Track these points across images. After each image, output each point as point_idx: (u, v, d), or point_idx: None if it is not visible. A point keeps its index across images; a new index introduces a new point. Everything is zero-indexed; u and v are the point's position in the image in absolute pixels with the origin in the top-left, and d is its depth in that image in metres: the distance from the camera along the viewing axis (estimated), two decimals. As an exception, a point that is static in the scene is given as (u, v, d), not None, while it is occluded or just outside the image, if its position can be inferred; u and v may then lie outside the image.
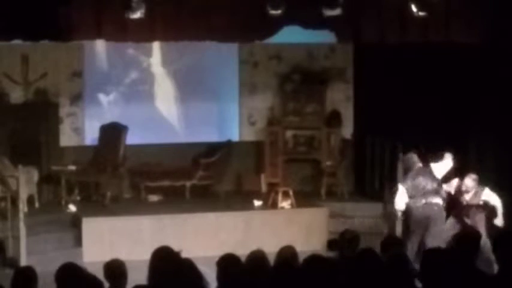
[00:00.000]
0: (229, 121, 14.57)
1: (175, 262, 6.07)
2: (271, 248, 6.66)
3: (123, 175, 13.51)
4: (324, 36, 11.82)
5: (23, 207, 10.97)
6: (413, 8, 10.23)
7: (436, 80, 12.13)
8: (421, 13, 10.24)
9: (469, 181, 10.48)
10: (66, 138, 13.85)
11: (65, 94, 13.83)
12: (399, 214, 10.85)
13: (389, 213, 12.52)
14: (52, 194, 13.49)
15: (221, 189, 13.86)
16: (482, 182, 11.25)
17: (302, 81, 14.36)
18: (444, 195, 10.57)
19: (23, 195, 11.20)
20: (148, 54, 14.18)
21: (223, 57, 14.28)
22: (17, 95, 13.57)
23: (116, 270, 6.30)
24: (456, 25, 10.81)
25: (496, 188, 11.34)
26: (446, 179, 10.78)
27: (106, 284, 6.27)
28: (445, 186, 10.66)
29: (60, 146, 13.78)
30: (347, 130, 14.59)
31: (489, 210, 10.45)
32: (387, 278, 5.88)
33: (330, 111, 14.49)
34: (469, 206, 10.46)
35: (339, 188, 13.98)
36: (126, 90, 14.18)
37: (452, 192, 10.61)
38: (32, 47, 12.72)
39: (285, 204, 12.74)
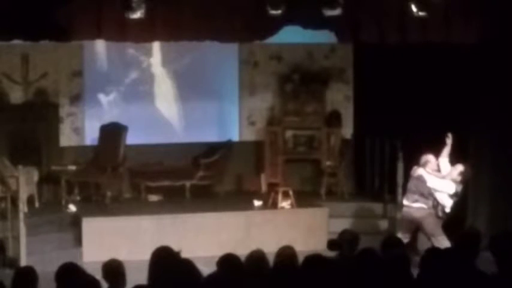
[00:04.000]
0: (229, 121, 14.56)
1: (175, 262, 6.07)
2: (271, 248, 6.66)
3: (123, 175, 13.51)
4: (324, 36, 11.82)
5: (23, 207, 10.97)
6: (413, 8, 10.22)
7: (436, 80, 12.13)
8: (421, 13, 10.23)
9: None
10: (66, 138, 13.85)
11: (65, 94, 13.83)
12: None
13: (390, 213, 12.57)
14: (52, 194, 13.48)
15: (221, 189, 13.86)
16: (482, 182, 11.30)
17: (302, 81, 14.35)
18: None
19: (23, 195, 11.19)
20: (148, 54, 14.17)
21: (223, 57, 14.28)
22: (17, 95, 13.57)
23: (114, 270, 6.30)
24: (456, 25, 10.81)
25: (495, 189, 11.39)
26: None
27: (105, 284, 6.27)
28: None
29: (60, 146, 13.78)
30: (347, 130, 14.58)
31: None
32: (387, 278, 5.88)
33: (330, 111, 14.49)
34: None
35: (339, 188, 13.97)
36: (126, 90, 14.18)
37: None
38: (32, 47, 12.71)
39: (285, 204, 12.73)
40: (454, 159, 11.00)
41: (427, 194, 10.86)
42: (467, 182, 11.07)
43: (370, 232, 12.07)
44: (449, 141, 10.96)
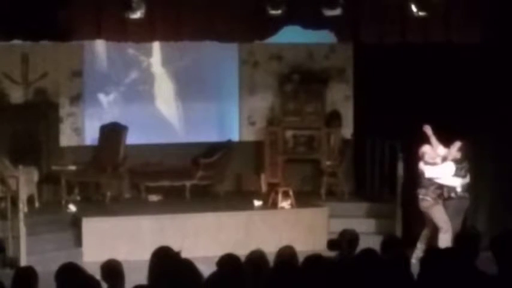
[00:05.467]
0: (229, 121, 14.56)
1: (175, 262, 6.06)
2: (271, 248, 6.66)
3: (123, 175, 13.51)
4: (324, 36, 11.81)
5: (23, 207, 10.97)
6: (413, 8, 10.23)
7: (436, 80, 12.13)
8: (421, 13, 10.23)
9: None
10: (66, 138, 13.85)
11: (65, 94, 13.83)
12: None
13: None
14: (52, 194, 13.48)
15: (221, 189, 13.86)
16: (482, 183, 11.30)
17: (302, 81, 14.35)
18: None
19: (23, 195, 11.19)
20: (148, 54, 14.17)
21: (223, 57, 14.28)
22: (17, 95, 13.57)
23: (113, 270, 6.31)
24: (456, 25, 10.81)
25: (495, 189, 11.38)
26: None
27: (105, 285, 6.27)
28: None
29: (60, 146, 13.78)
30: (347, 130, 14.58)
31: None
32: (387, 278, 5.88)
33: (330, 111, 14.48)
34: None
35: (339, 188, 13.97)
36: (126, 90, 14.18)
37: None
38: (32, 47, 12.70)
39: (285, 204, 12.73)
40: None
41: (428, 185, 11.06)
42: (469, 157, 11.25)
43: (370, 232, 12.08)
44: (429, 131, 11.20)
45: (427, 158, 11.17)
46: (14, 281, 5.90)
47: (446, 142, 11.25)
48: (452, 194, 11.10)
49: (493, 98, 11.56)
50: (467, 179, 11.13)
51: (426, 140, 11.28)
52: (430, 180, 11.08)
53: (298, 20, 10.55)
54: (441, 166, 11.12)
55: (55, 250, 11.21)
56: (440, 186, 11.10)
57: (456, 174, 11.07)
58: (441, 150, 11.26)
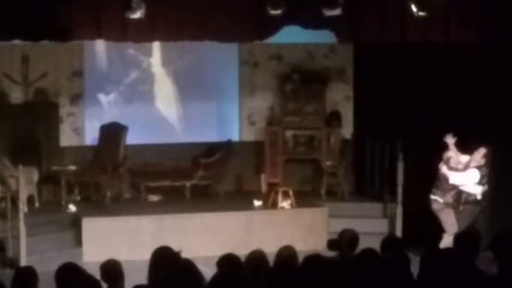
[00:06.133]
0: (229, 121, 14.57)
1: (175, 262, 6.07)
2: (271, 248, 6.67)
3: (123, 175, 13.51)
4: (324, 36, 11.82)
5: (23, 207, 10.97)
6: (413, 8, 10.23)
7: (436, 80, 12.13)
8: (421, 13, 10.24)
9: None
10: (66, 138, 13.85)
11: (65, 94, 13.84)
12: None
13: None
14: (52, 194, 13.49)
15: (221, 189, 13.87)
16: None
17: (302, 81, 14.35)
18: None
19: (23, 195, 11.20)
20: (148, 54, 14.17)
21: (223, 57, 14.28)
22: (17, 95, 13.57)
23: (112, 270, 6.31)
24: (456, 25, 10.82)
25: (495, 189, 11.37)
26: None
27: (105, 285, 6.27)
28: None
29: (60, 146, 13.78)
30: (347, 130, 14.58)
31: None
32: (387, 278, 5.88)
33: (330, 111, 14.48)
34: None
35: (339, 188, 13.97)
36: (126, 90, 14.18)
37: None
38: (32, 47, 12.72)
39: (285, 204, 12.73)
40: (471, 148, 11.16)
41: (448, 189, 11.00)
42: (492, 165, 11.17)
43: (370, 232, 12.06)
44: (450, 140, 11.02)
45: (452, 163, 11.06)
46: (14, 281, 5.91)
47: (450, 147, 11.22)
48: (470, 199, 11.06)
49: (493, 97, 11.56)
50: (486, 187, 11.08)
51: (445, 147, 11.15)
52: (453, 185, 11.00)
53: (298, 20, 10.55)
54: (466, 173, 10.99)
55: (55, 250, 11.21)
56: (459, 192, 11.05)
57: (479, 182, 11.02)
58: (462, 157, 11.18)
